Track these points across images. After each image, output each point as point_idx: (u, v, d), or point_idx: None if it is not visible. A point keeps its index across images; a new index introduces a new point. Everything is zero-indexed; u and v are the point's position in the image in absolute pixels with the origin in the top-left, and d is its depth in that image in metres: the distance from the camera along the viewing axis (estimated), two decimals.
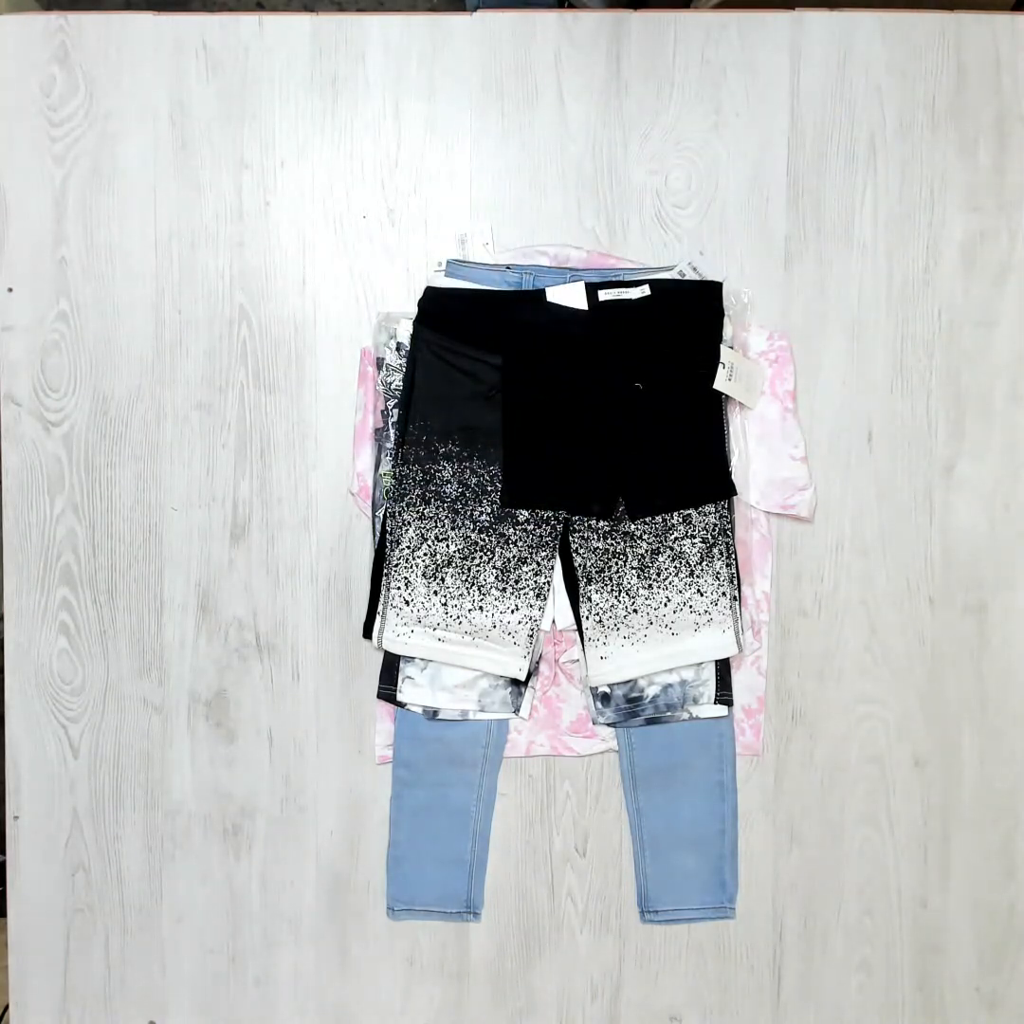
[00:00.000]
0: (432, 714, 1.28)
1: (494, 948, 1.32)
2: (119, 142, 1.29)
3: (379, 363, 1.28)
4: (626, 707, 1.28)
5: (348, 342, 1.30)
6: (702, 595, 1.25)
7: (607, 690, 1.28)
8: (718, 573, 1.25)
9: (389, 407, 1.27)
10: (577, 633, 1.27)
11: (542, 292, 1.24)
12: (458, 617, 1.25)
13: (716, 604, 1.25)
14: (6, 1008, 1.35)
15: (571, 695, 1.30)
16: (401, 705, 1.28)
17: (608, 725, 1.29)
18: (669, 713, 1.28)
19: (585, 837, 1.31)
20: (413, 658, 1.27)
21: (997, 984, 1.32)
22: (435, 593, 1.25)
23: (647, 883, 1.30)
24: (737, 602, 1.26)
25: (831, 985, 1.32)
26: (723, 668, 1.27)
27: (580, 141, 1.29)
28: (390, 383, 1.27)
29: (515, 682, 1.27)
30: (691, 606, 1.25)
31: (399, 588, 1.25)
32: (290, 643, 1.31)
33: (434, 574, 1.25)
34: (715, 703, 1.28)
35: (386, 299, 1.29)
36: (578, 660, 1.28)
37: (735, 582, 1.25)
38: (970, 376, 1.30)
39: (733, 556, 1.26)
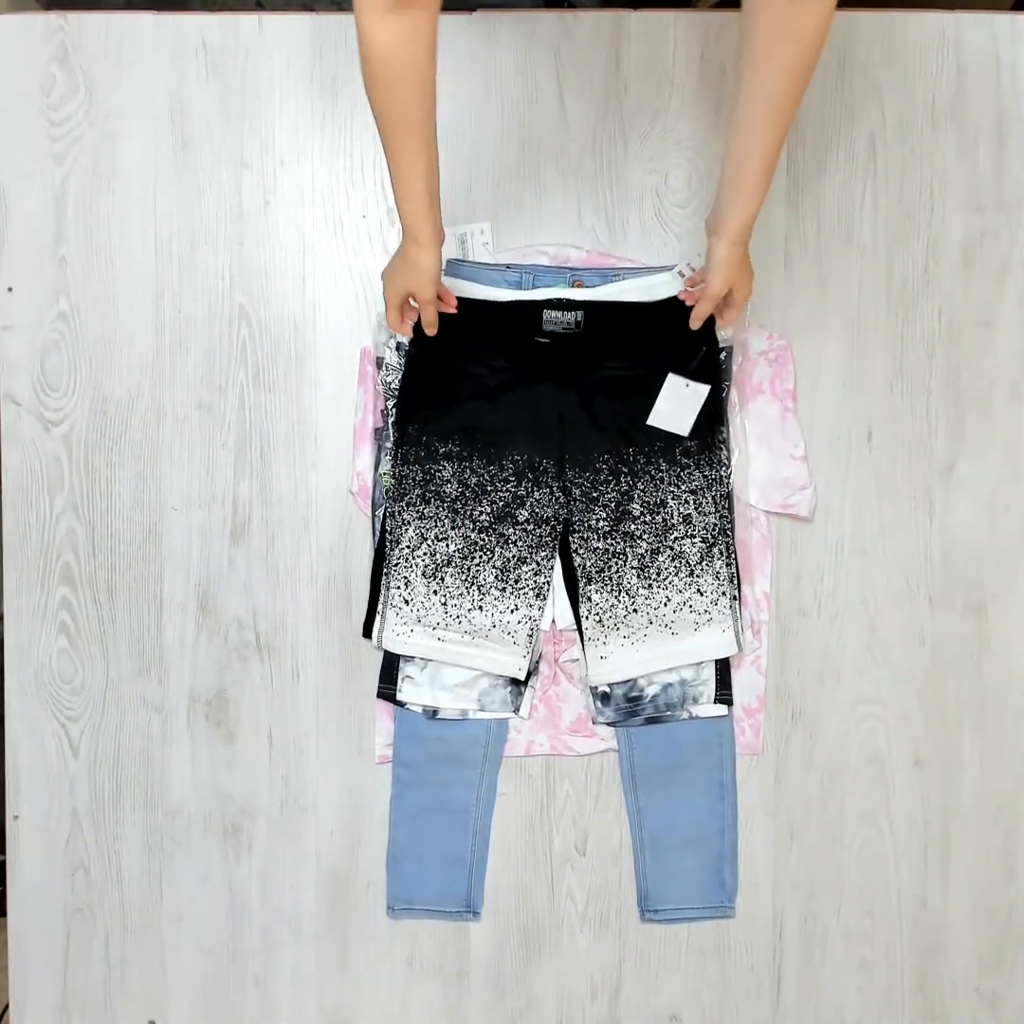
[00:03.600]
0: (432, 713, 1.28)
1: (494, 948, 1.32)
2: (119, 142, 1.29)
3: (379, 363, 1.28)
4: (626, 707, 1.28)
5: (348, 342, 1.30)
6: (702, 595, 1.25)
7: (607, 690, 1.28)
8: (718, 573, 1.25)
9: (389, 407, 1.27)
10: (577, 633, 1.27)
11: (539, 307, 1.23)
12: (458, 617, 1.25)
13: (716, 604, 1.25)
14: (6, 1008, 1.35)
15: (571, 695, 1.30)
16: (401, 705, 1.28)
17: (608, 725, 1.29)
18: (669, 713, 1.28)
19: (585, 837, 1.31)
20: (413, 657, 1.27)
21: (997, 984, 1.32)
22: (435, 593, 1.25)
23: (647, 883, 1.30)
24: (737, 602, 1.26)
25: (831, 985, 1.32)
26: (723, 668, 1.27)
27: (580, 141, 1.29)
28: (390, 383, 1.27)
29: (515, 682, 1.27)
30: (691, 606, 1.25)
31: (399, 588, 1.25)
32: (290, 643, 1.31)
33: (434, 574, 1.25)
34: (715, 703, 1.27)
35: None
36: (578, 660, 1.28)
37: (735, 582, 1.25)
38: (970, 376, 1.30)
39: (733, 556, 1.26)
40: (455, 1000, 1.32)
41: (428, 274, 1.09)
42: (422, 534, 1.25)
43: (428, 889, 1.30)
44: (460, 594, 1.25)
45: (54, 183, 1.29)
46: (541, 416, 1.24)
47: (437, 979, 1.32)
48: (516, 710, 1.28)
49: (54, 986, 1.33)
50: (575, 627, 1.27)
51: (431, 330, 1.18)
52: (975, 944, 1.32)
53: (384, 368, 1.27)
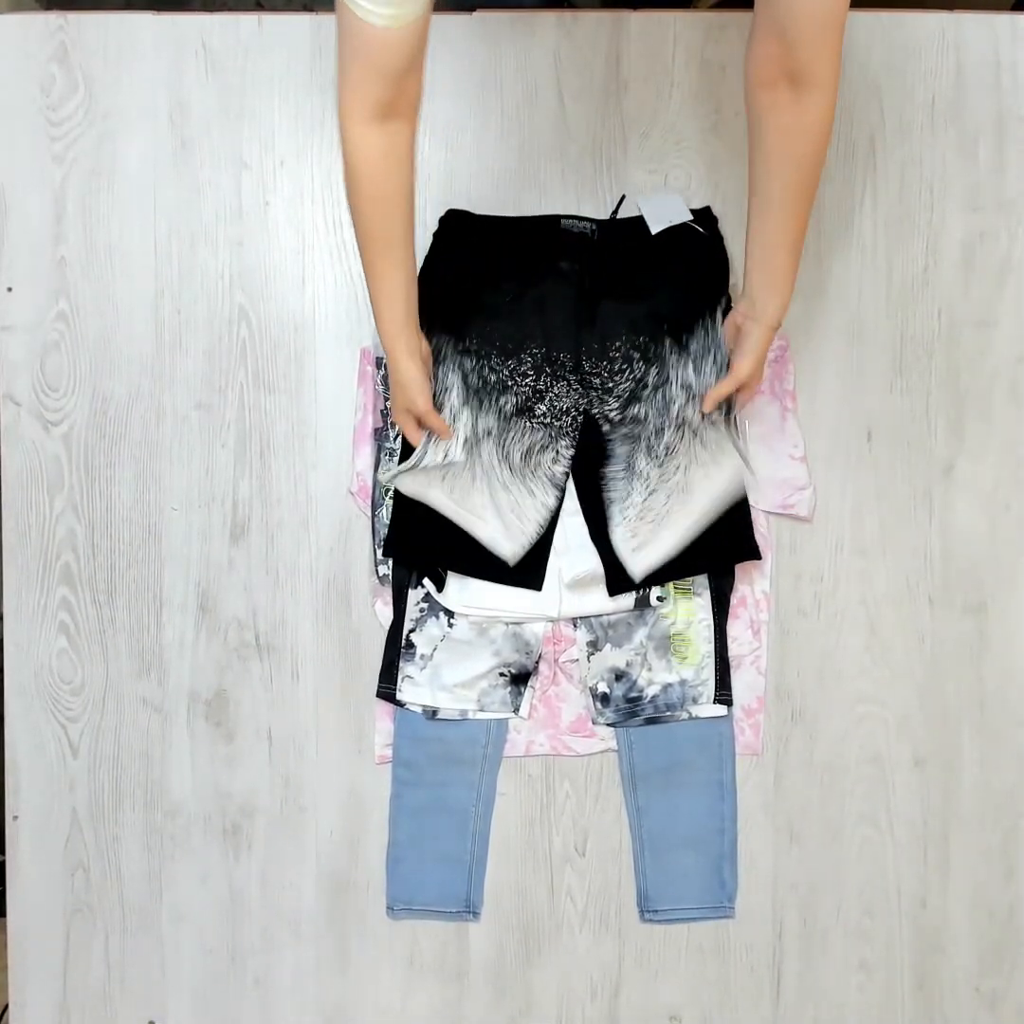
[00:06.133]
0: (431, 714, 1.28)
1: (494, 948, 1.32)
2: (119, 142, 1.29)
3: (379, 362, 1.28)
4: (626, 707, 1.28)
5: (348, 342, 1.30)
6: (704, 447, 1.23)
7: (607, 690, 1.28)
8: (716, 423, 1.23)
9: (388, 407, 1.27)
10: (596, 545, 1.25)
11: (556, 219, 1.25)
12: (481, 488, 1.24)
13: (720, 446, 1.23)
14: (6, 1008, 1.35)
15: (571, 695, 1.29)
16: (400, 704, 1.28)
17: (608, 725, 1.29)
18: (669, 713, 1.28)
19: (585, 837, 1.31)
20: (413, 657, 1.27)
21: (997, 984, 1.32)
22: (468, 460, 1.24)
23: (647, 883, 1.30)
24: (741, 438, 1.25)
25: (831, 985, 1.32)
26: (723, 668, 1.27)
27: (580, 141, 1.29)
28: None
29: (515, 681, 1.27)
30: (698, 459, 1.23)
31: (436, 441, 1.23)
32: (290, 643, 1.31)
33: (473, 445, 1.24)
34: (715, 703, 1.27)
35: None
36: (578, 660, 1.28)
37: (737, 429, 1.25)
38: (970, 376, 1.30)
39: (733, 418, 1.24)
40: (455, 1000, 1.32)
41: (412, 385, 1.12)
42: (454, 415, 1.23)
43: (428, 889, 1.30)
44: (491, 467, 1.24)
45: (54, 183, 1.29)
46: (557, 311, 1.24)
47: (437, 979, 1.32)
48: (516, 710, 1.28)
49: (54, 986, 1.33)
50: (591, 573, 1.24)
51: (446, 436, 1.20)
52: (975, 944, 1.32)
53: (384, 367, 1.27)
